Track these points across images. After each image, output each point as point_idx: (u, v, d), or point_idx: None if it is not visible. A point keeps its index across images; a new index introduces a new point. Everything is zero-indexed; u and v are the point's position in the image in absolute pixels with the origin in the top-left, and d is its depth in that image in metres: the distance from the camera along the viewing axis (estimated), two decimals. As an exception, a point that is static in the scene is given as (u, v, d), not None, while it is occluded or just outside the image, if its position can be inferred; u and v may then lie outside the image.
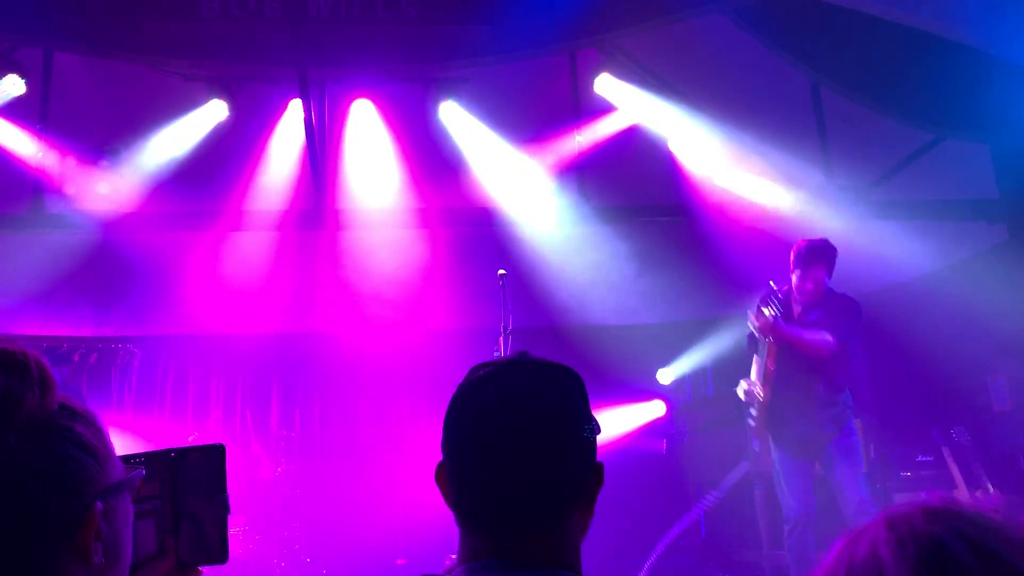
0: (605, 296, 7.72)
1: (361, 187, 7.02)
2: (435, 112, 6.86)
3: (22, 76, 6.39)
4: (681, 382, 8.51)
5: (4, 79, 6.38)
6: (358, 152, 7.05)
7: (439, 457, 1.24)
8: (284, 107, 6.89)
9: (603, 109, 6.99)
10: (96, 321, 7.95)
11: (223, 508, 1.21)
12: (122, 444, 1.05)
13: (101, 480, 0.94)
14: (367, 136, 7.03)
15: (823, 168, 6.90)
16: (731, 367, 6.23)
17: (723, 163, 6.99)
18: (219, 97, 6.69)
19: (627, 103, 6.93)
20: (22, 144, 6.49)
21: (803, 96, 6.98)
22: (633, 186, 7.20)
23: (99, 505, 0.92)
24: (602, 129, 7.03)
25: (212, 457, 1.22)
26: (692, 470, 7.70)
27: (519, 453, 1.14)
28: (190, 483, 1.19)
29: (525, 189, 6.95)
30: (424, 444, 8.01)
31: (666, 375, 8.45)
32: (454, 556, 1.24)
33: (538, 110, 6.99)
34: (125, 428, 7.22)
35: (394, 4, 6.33)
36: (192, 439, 7.01)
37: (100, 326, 8.04)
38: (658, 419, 8.26)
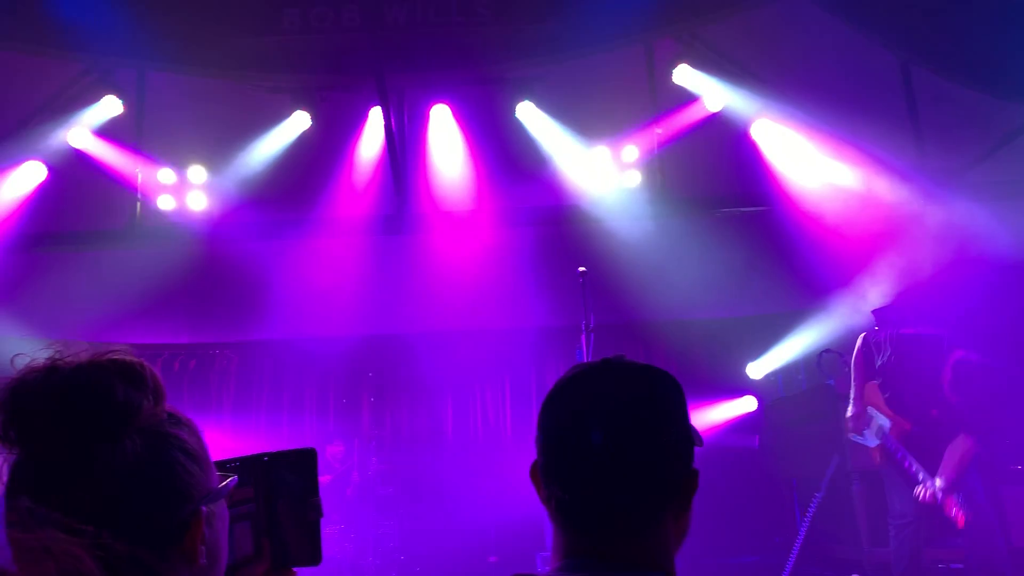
0: (690, 289, 7.60)
1: (442, 190, 7.11)
2: (512, 112, 6.89)
3: (119, 97, 6.71)
4: (772, 376, 8.31)
5: (102, 100, 6.71)
6: (438, 156, 7.14)
7: (528, 453, 1.25)
8: (365, 115, 7.03)
9: (682, 100, 6.89)
10: (195, 328, 8.27)
11: (316, 511, 1.24)
12: (222, 446, 1.09)
13: (204, 486, 0.98)
14: (446, 140, 7.12)
15: (916, 150, 6.63)
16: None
17: (808, 150, 6.79)
18: (303, 108, 6.88)
19: (707, 93, 6.81)
20: (120, 162, 6.81)
21: (892, 77, 6.72)
22: (715, 176, 7.07)
23: (204, 509, 0.96)
24: (682, 120, 6.92)
25: (304, 461, 1.24)
26: (786, 466, 7.51)
27: (615, 455, 1.15)
28: (283, 486, 1.22)
29: (604, 184, 6.91)
30: (512, 441, 8.05)
31: (756, 369, 8.26)
32: (546, 554, 1.25)
33: (616, 104, 6.94)
34: (224, 430, 7.49)
35: (468, 6, 6.38)
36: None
37: (199, 333, 8.36)
38: (749, 414, 8.08)
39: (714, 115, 6.88)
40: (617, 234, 6.98)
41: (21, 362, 0.93)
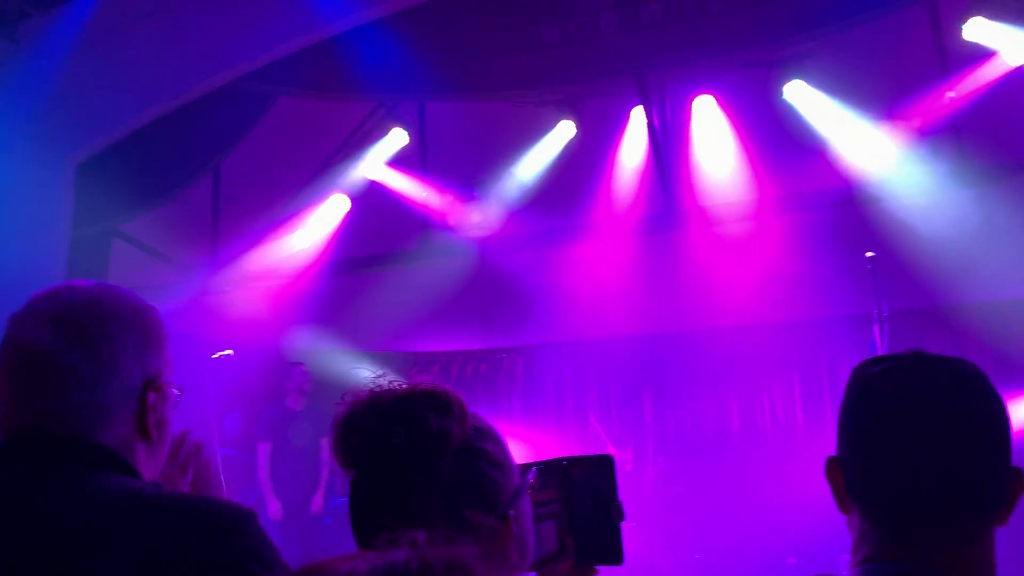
0: (1003, 265, 6.78)
1: (711, 183, 6.98)
2: (780, 94, 6.59)
3: (404, 128, 7.38)
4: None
5: (390, 133, 7.41)
6: (704, 148, 7.02)
7: (823, 451, 1.21)
8: (627, 116, 7.10)
9: (976, 57, 6.18)
10: (483, 334, 8.82)
11: (618, 514, 1.30)
12: (514, 447, 1.19)
13: (510, 490, 1.10)
14: (712, 131, 6.98)
15: None
16: None
17: None
18: (567, 118, 7.11)
19: (1006, 45, 6.05)
20: (410, 188, 7.47)
21: None
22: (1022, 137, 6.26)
23: (512, 513, 1.06)
24: (977, 80, 6.20)
25: (602, 466, 1.31)
26: None
27: (942, 454, 1.09)
28: (583, 489, 1.29)
29: (891, 159, 6.37)
30: (804, 438, 7.68)
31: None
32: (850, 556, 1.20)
33: (897, 71, 6.38)
34: (515, 431, 7.89)
35: (725, -8, 6.20)
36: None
37: (486, 339, 8.90)
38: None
39: (1018, 69, 6.09)
40: (910, 211, 6.41)
41: (348, 396, 1.11)
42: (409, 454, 1.04)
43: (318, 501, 6.54)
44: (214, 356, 5.43)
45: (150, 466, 1.34)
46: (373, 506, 1.05)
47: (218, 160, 7.19)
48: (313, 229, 7.70)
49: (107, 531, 1.14)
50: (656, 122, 6.64)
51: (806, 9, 6.13)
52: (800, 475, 6.90)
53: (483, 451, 1.09)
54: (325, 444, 6.56)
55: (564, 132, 7.18)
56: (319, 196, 7.66)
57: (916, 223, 6.38)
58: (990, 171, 6.19)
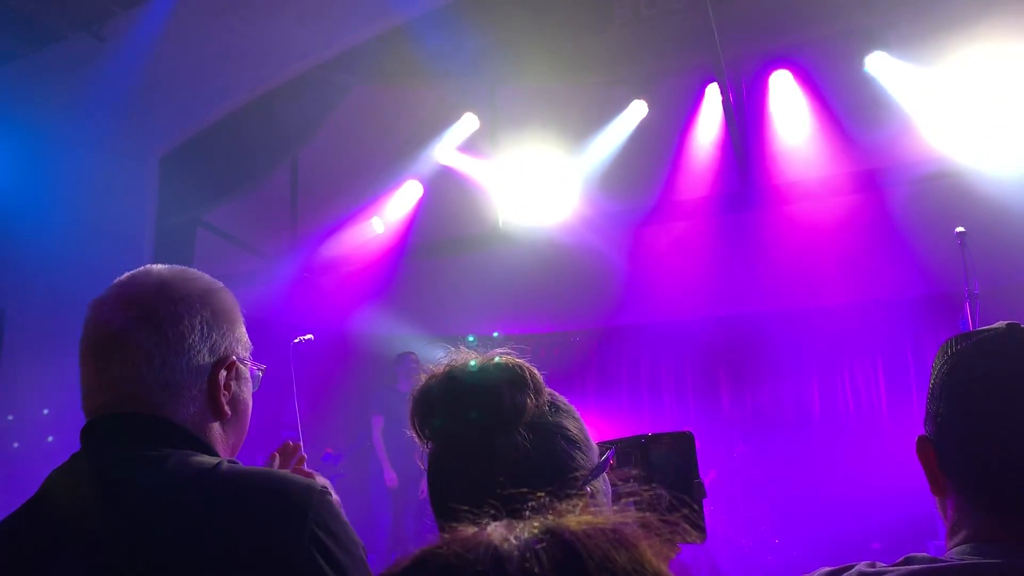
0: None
1: (788, 160, 6.79)
2: (861, 66, 6.37)
3: (475, 113, 7.39)
4: None
5: (462, 119, 7.44)
6: (782, 125, 6.84)
7: (909, 433, 1.17)
8: (702, 93, 6.96)
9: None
10: (556, 317, 8.82)
11: (699, 491, 1.29)
12: (591, 427, 1.19)
13: (586, 467, 1.09)
14: (790, 106, 6.79)
15: None
16: None
17: None
18: (639, 97, 7.02)
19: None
20: (481, 172, 7.49)
21: None
22: None
23: (588, 489, 1.06)
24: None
25: (682, 443, 1.30)
26: None
27: None
28: (663, 467, 1.29)
29: (982, 129, 6.09)
30: (889, 421, 7.48)
31: None
32: (939, 543, 1.17)
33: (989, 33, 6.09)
34: (589, 413, 7.87)
35: (804, -38, 6.01)
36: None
37: (560, 322, 8.90)
38: None
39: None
40: (1000, 184, 6.12)
41: (426, 368, 1.13)
42: (484, 428, 1.04)
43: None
44: (296, 340, 5.57)
45: (227, 443, 1.38)
46: (450, 480, 1.05)
47: (296, 149, 7.35)
48: (388, 215, 7.81)
49: (184, 506, 1.18)
50: (732, 99, 6.49)
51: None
52: (884, 459, 6.72)
53: (559, 427, 1.09)
54: (376, 422, 7.00)
55: (637, 112, 7.10)
56: (394, 182, 7.76)
57: (1007, 196, 6.10)
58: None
